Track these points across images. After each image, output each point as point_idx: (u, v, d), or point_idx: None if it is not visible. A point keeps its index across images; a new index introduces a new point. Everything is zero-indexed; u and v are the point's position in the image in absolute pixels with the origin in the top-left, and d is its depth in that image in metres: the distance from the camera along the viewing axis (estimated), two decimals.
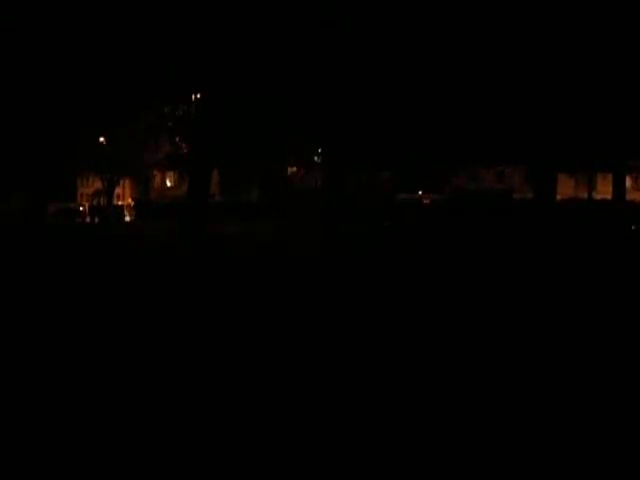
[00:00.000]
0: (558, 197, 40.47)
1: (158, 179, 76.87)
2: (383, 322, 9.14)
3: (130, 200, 72.84)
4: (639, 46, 28.11)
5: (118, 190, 72.88)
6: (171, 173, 75.03)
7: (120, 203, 72.60)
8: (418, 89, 30.58)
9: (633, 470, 4.38)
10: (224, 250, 23.21)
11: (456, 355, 7.24)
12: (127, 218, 63.62)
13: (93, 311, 10.12)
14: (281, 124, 39.99)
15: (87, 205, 69.36)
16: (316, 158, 63.00)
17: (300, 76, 28.87)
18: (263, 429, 5.02)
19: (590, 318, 9.52)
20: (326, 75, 29.90)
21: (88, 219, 64.28)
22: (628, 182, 48.03)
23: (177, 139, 56.52)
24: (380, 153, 47.81)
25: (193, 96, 39.63)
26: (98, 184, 69.51)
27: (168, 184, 77.13)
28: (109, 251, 23.49)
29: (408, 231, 36.10)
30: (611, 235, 31.30)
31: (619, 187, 38.03)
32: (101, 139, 58.02)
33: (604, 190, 54.05)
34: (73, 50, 27.56)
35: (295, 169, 68.90)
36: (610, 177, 43.42)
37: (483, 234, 32.80)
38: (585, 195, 54.32)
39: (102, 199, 69.09)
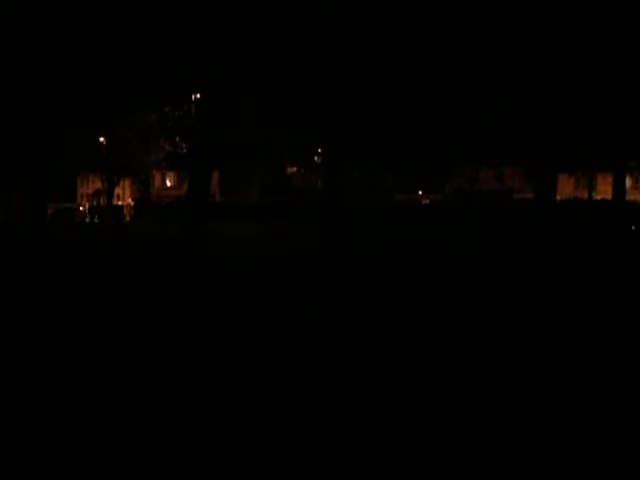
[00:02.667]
0: (558, 197, 40.48)
1: (158, 179, 76.95)
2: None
3: (130, 200, 72.86)
4: (639, 46, 28.11)
5: (118, 190, 72.88)
6: (171, 173, 75.14)
7: (120, 203, 72.61)
8: (419, 90, 30.58)
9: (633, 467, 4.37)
10: (222, 250, 23.19)
11: (452, 350, 7.23)
12: (127, 218, 63.63)
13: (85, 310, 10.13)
14: (282, 124, 39.97)
15: (87, 205, 69.41)
16: (316, 158, 63.03)
17: (302, 76, 28.85)
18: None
19: (590, 317, 9.51)
20: (328, 75, 29.87)
21: (87, 219, 64.31)
22: (628, 182, 48.02)
23: (177, 139, 56.56)
24: (381, 153, 47.81)
25: (193, 96, 39.62)
26: (98, 184, 69.54)
27: (168, 184, 77.21)
28: (106, 252, 23.50)
29: (407, 230, 36.09)
30: (611, 235, 31.29)
31: (619, 187, 38.02)
32: (101, 139, 58.05)
33: (604, 190, 54.09)
34: (73, 50, 27.56)
35: (295, 169, 68.96)
36: (610, 177, 43.42)
37: (483, 233, 32.78)
38: (585, 195, 54.37)
39: (102, 199, 69.13)
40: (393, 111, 35.33)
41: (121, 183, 71.43)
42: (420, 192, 65.30)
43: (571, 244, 25.74)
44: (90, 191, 77.22)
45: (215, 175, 49.00)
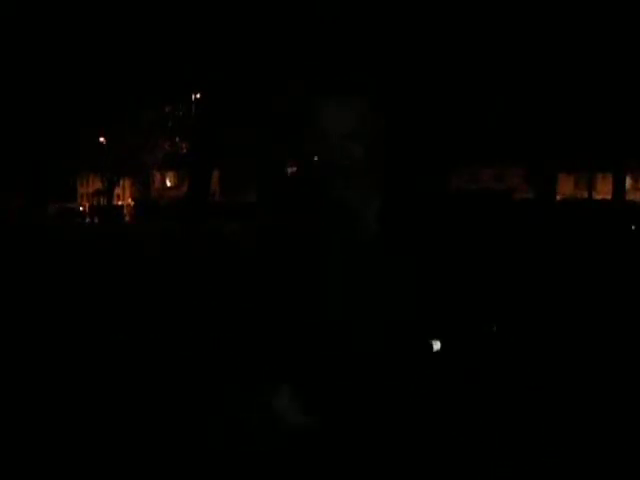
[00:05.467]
0: (558, 197, 40.45)
1: (158, 179, 76.86)
2: None
3: (130, 200, 72.80)
4: (639, 46, 28.10)
5: (118, 190, 72.83)
6: (171, 173, 75.07)
7: (120, 203, 72.56)
8: (419, 89, 30.59)
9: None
10: (222, 250, 23.16)
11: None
12: (127, 218, 63.61)
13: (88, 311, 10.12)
14: (282, 124, 39.88)
15: (87, 205, 69.35)
16: (316, 158, 62.93)
17: (301, 76, 28.81)
18: None
19: (593, 318, 9.49)
20: (327, 75, 29.82)
21: (88, 219, 64.26)
22: (628, 182, 48.01)
23: (177, 139, 56.49)
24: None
25: (193, 96, 39.60)
26: (98, 184, 69.47)
27: (168, 184, 77.12)
28: (106, 252, 23.49)
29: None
30: (611, 235, 31.26)
31: (619, 187, 38.02)
32: (101, 139, 57.98)
33: (604, 190, 54.03)
34: (73, 49, 27.55)
35: (295, 169, 68.82)
36: (610, 177, 43.40)
37: (483, 234, 32.71)
38: (585, 195, 54.26)
39: (102, 199, 69.07)
40: (392, 111, 35.25)
41: (121, 183, 71.36)
42: None
43: (571, 243, 25.73)
44: (90, 191, 77.15)
45: (215, 175, 48.94)
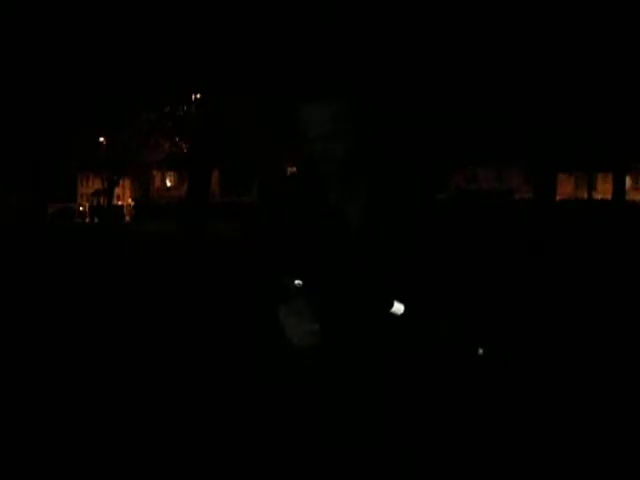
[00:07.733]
0: (558, 197, 40.42)
1: (158, 179, 76.84)
2: None
3: (130, 200, 72.78)
4: (639, 46, 28.08)
5: (118, 190, 72.81)
6: (171, 173, 75.05)
7: (120, 203, 72.55)
8: (417, 88, 30.60)
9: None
10: (221, 251, 23.19)
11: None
12: (127, 218, 63.60)
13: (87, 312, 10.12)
14: (281, 124, 39.88)
15: (87, 205, 69.36)
16: None
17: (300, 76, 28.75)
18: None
19: (594, 319, 9.49)
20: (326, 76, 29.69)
21: (87, 219, 64.28)
22: (628, 182, 47.98)
23: (177, 139, 56.42)
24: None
25: (193, 96, 39.58)
26: (98, 184, 69.45)
27: (168, 184, 77.13)
28: (106, 252, 23.50)
29: None
30: (611, 235, 31.26)
31: (619, 187, 37.97)
32: (101, 139, 57.98)
33: (604, 190, 54.05)
34: (72, 49, 27.54)
35: (295, 169, 68.81)
36: (610, 177, 43.37)
37: (484, 234, 32.71)
38: (585, 195, 54.30)
39: (102, 199, 69.08)
40: (390, 110, 35.16)
41: (121, 183, 71.33)
42: None
43: (571, 244, 25.73)
44: (90, 191, 77.16)
45: (215, 175, 48.90)
